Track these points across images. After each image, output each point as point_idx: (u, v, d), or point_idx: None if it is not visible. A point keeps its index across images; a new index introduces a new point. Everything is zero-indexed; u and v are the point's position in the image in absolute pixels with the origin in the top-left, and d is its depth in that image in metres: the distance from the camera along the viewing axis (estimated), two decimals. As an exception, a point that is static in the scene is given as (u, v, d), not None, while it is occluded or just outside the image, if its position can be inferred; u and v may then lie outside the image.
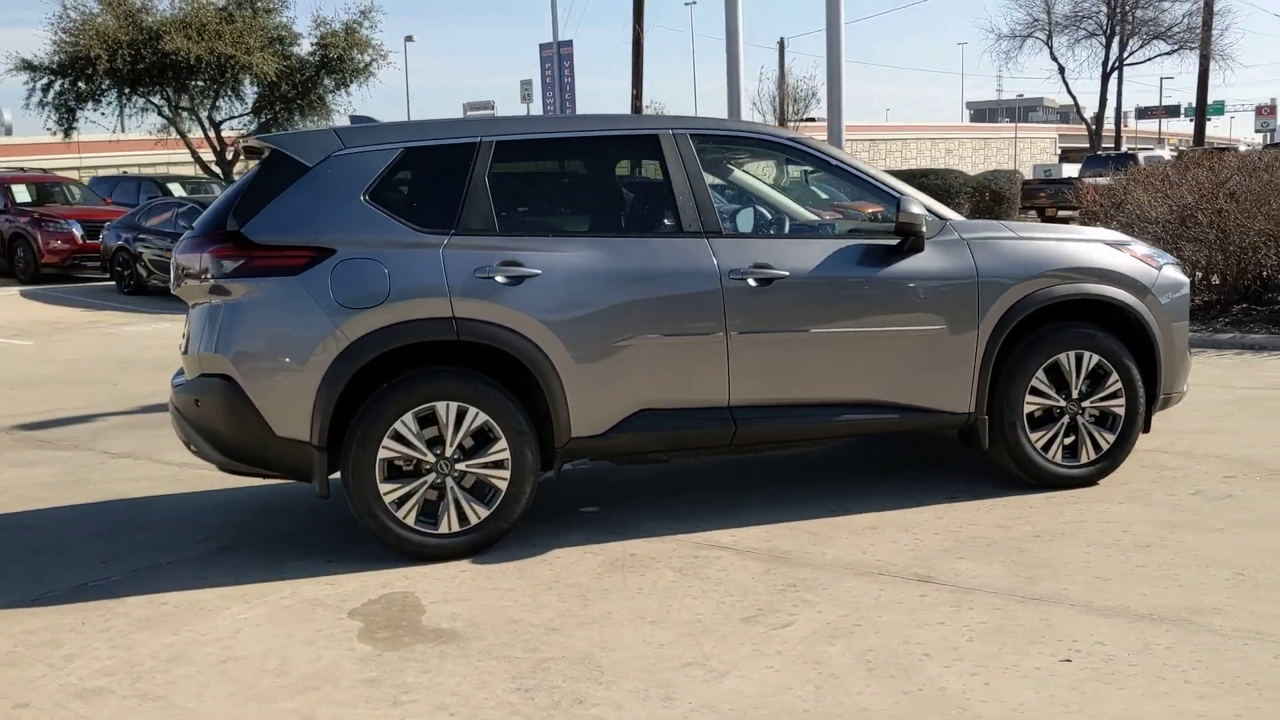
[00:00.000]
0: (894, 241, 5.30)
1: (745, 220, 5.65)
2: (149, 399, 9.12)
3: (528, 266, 4.87)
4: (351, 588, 4.58)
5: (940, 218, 5.42)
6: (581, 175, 5.37)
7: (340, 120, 27.18)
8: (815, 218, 6.31)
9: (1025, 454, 5.48)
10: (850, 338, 5.24)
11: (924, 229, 5.23)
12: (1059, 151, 72.27)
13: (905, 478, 5.88)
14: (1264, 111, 60.93)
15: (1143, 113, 78.69)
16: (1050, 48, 40.54)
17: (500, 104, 43.60)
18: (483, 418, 4.83)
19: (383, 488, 4.77)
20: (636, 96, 39.24)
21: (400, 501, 4.81)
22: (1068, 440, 5.55)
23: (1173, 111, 73.16)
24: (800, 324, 5.17)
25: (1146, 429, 5.67)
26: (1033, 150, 77.94)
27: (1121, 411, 5.57)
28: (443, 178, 5.02)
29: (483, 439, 4.87)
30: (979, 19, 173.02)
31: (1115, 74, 40.67)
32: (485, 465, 4.87)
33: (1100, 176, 21.71)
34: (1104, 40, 39.14)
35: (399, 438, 4.77)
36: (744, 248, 5.17)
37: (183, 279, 5.05)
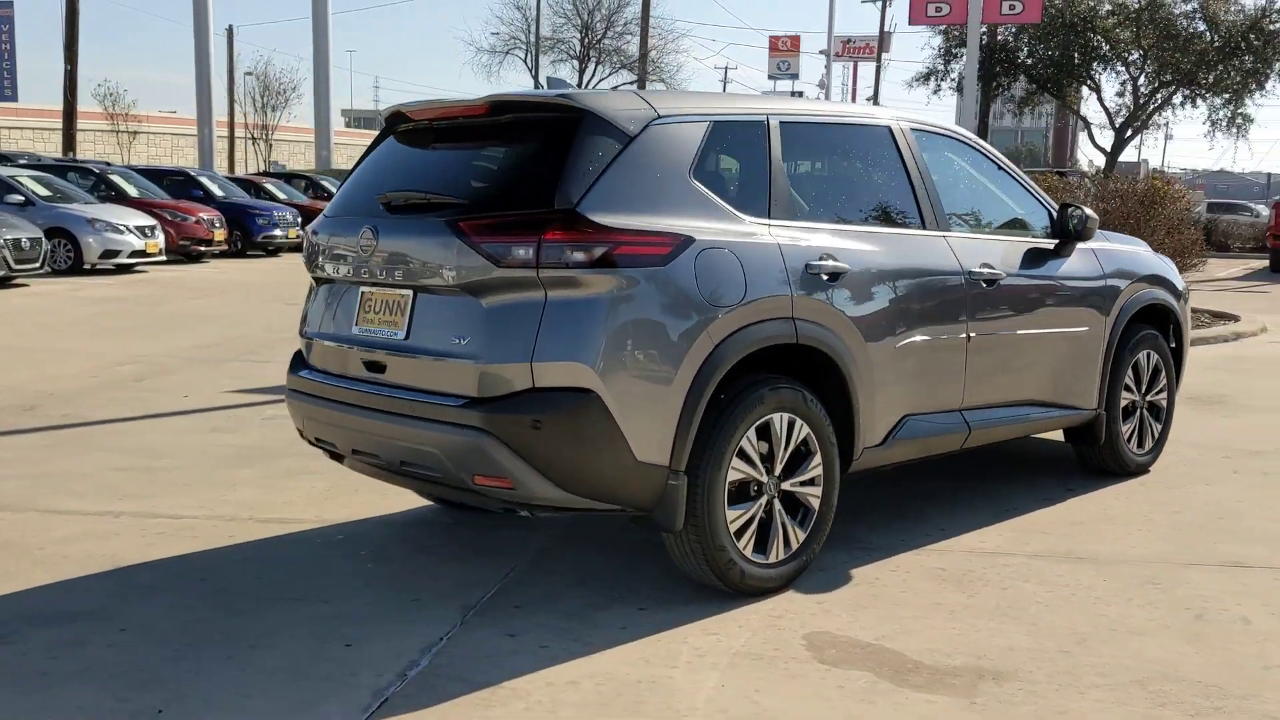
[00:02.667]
0: (1052, 244, 5.51)
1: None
2: None
3: (839, 260, 4.42)
4: (740, 634, 3.86)
5: (1068, 224, 5.69)
6: (846, 162, 4.91)
7: None
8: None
9: (1118, 445, 5.94)
10: (1041, 339, 5.35)
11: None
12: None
13: (990, 477, 6.06)
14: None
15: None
16: (531, 68, 41.99)
17: None
18: (805, 430, 4.30)
19: (729, 514, 4.08)
20: (71, 73, 34.91)
21: (741, 530, 4.14)
22: (1137, 432, 6.10)
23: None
24: (1012, 325, 5.20)
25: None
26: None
27: (1165, 404, 6.24)
28: (747, 157, 4.39)
29: (797, 454, 4.33)
30: (460, 31, 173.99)
31: None
32: (803, 483, 4.35)
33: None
34: (578, 65, 41.43)
35: (744, 456, 4.11)
36: (969, 247, 5.07)
37: (447, 267, 3.90)
